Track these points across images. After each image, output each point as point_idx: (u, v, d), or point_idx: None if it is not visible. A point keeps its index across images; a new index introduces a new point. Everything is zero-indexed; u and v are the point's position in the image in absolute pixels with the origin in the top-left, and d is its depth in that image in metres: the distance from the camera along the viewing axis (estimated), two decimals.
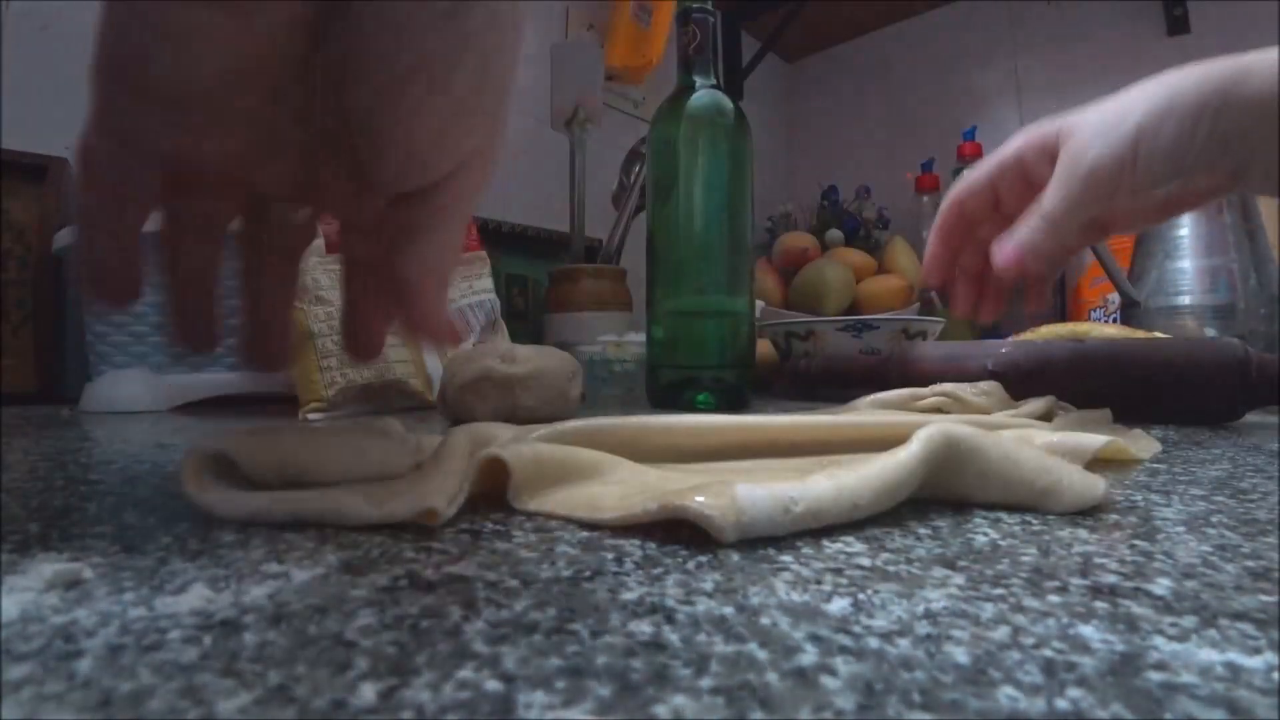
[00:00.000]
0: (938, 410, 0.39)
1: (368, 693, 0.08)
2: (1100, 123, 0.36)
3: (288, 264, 0.23)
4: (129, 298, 0.18)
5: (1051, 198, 0.37)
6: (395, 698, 0.08)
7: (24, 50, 0.66)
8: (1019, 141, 0.40)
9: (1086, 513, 0.18)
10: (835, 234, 1.20)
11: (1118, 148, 0.34)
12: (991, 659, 0.09)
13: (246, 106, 0.16)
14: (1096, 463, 0.24)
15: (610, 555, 0.14)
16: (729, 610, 0.11)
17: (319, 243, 0.51)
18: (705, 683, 0.09)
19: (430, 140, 0.16)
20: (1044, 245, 0.37)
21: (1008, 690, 0.09)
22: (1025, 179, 0.39)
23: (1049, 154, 0.38)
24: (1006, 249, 0.38)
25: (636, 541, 0.15)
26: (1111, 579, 0.13)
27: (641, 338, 0.61)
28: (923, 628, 0.10)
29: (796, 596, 0.12)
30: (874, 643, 0.10)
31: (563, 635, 0.10)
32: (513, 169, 1.07)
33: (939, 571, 0.13)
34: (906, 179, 1.36)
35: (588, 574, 0.13)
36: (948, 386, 0.40)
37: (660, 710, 0.08)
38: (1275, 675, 0.09)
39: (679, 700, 0.08)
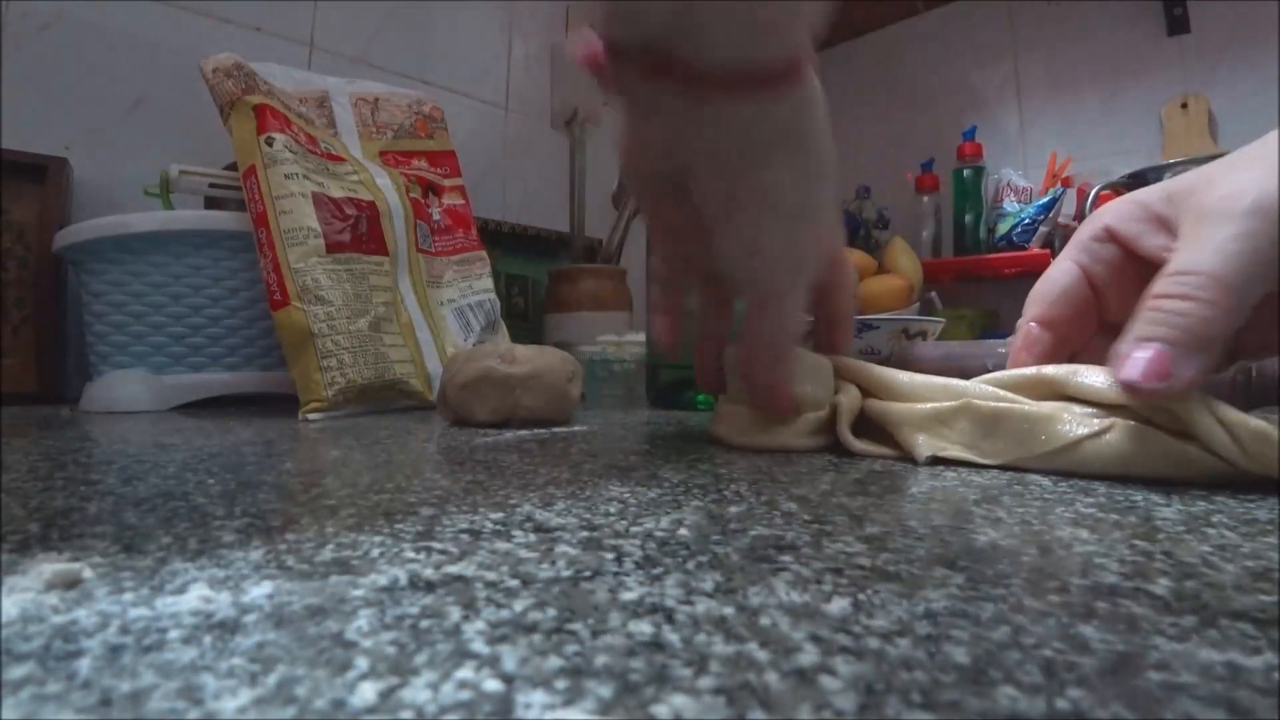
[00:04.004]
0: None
1: (368, 693, 0.08)
2: (1242, 162, 0.24)
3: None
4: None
5: (1202, 253, 0.23)
6: (395, 698, 0.08)
7: (24, 50, 0.66)
8: (1101, 219, 0.28)
9: (1086, 512, 0.18)
10: None
11: None
12: (991, 659, 0.09)
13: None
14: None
15: (610, 555, 0.14)
16: (729, 610, 0.11)
17: (319, 243, 0.51)
18: (705, 683, 0.09)
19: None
20: (1212, 326, 0.22)
21: (1008, 690, 0.09)
22: (1127, 260, 0.27)
23: (1158, 221, 0.26)
24: (1139, 358, 0.22)
25: (636, 541, 0.15)
26: (1111, 579, 0.13)
27: (641, 338, 0.61)
28: (923, 628, 0.10)
29: (796, 596, 0.12)
30: (874, 643, 0.10)
31: (563, 635, 0.10)
32: (513, 169, 1.07)
33: (939, 571, 0.13)
34: (906, 179, 1.36)
35: (588, 574, 0.13)
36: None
37: (660, 710, 0.08)
38: (1275, 675, 0.09)
39: (679, 700, 0.08)
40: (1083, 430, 0.24)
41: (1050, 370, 0.26)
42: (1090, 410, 0.25)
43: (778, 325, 0.29)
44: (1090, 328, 0.29)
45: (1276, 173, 0.22)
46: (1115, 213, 0.27)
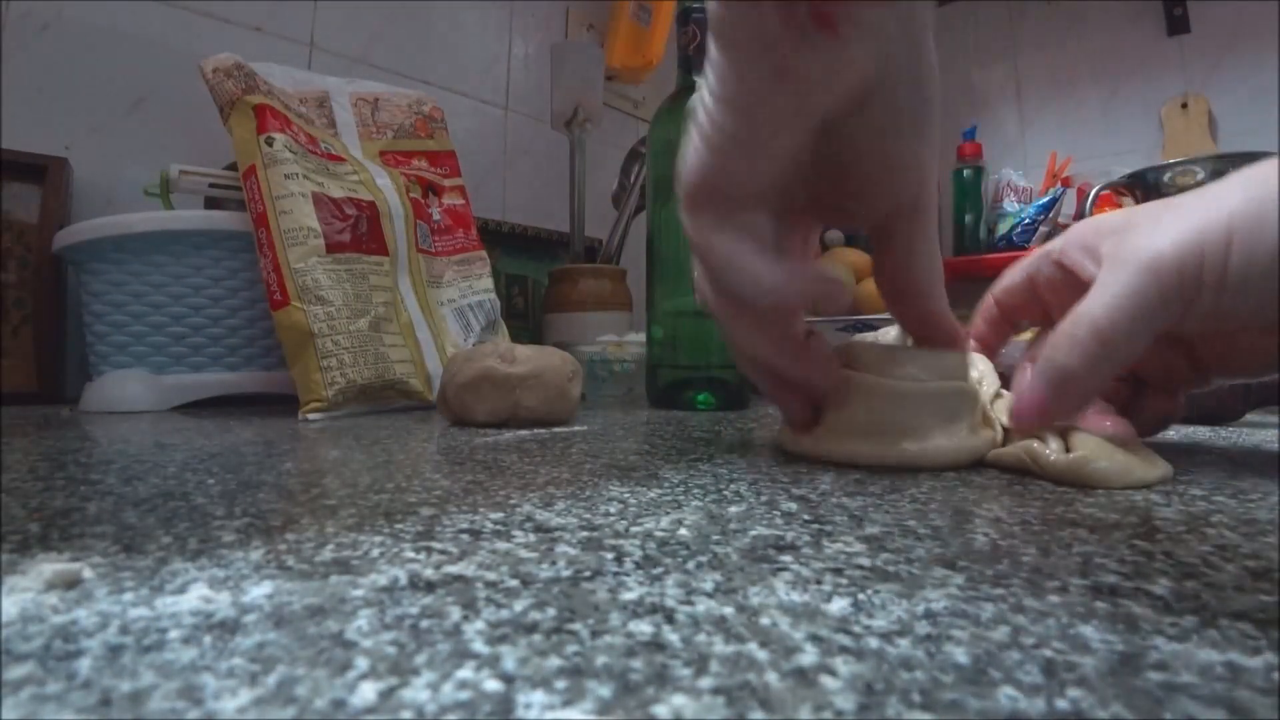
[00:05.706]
0: None
1: (368, 693, 0.08)
2: (1169, 211, 0.25)
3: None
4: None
5: (1095, 301, 0.25)
6: (395, 698, 0.08)
7: (24, 50, 0.66)
8: (1059, 243, 0.30)
9: (1086, 513, 0.18)
10: (835, 234, 1.20)
11: (1202, 235, 0.23)
12: (991, 659, 0.09)
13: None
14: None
15: (610, 555, 0.14)
16: (729, 610, 0.11)
17: (319, 243, 0.51)
18: (705, 683, 0.09)
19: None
20: (1082, 371, 0.24)
21: (1008, 690, 0.09)
22: (1067, 281, 0.28)
23: (1094, 255, 0.27)
24: (1024, 393, 0.26)
25: (636, 541, 0.15)
26: (1111, 579, 0.13)
27: (641, 338, 0.61)
28: (923, 628, 0.10)
29: (796, 596, 0.12)
30: (874, 643, 0.10)
31: (563, 635, 0.10)
32: (513, 169, 1.07)
33: (939, 571, 0.13)
34: None
35: (588, 574, 0.13)
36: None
37: (660, 710, 0.08)
38: (1275, 675, 0.09)
39: (679, 700, 0.08)
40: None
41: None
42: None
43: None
44: (1037, 315, 0.32)
45: (1185, 230, 0.23)
46: (1069, 238, 0.29)
